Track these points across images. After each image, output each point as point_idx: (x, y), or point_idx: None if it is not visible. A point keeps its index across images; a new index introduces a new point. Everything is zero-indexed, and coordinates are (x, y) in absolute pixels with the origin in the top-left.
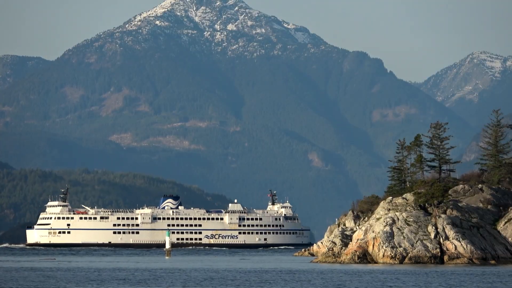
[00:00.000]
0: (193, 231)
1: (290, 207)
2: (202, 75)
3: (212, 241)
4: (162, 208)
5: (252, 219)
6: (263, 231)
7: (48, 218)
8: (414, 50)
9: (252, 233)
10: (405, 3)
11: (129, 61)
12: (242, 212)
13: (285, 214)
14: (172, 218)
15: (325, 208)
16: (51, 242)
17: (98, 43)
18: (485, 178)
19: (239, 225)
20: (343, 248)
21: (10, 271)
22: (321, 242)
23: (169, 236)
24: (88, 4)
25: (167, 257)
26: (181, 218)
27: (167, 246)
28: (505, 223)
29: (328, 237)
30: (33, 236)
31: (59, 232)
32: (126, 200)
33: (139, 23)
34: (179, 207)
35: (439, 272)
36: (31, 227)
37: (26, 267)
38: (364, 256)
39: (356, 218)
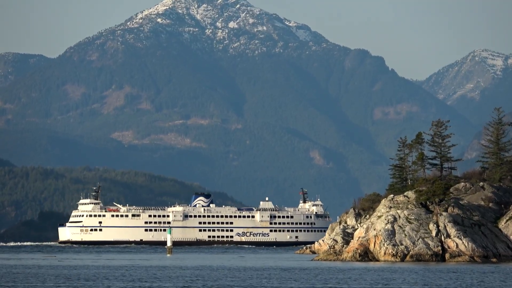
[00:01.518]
0: (225, 229)
1: (321, 205)
2: (204, 73)
3: (243, 238)
4: (193, 206)
5: (283, 217)
6: (294, 229)
7: (80, 216)
8: (416, 48)
9: (283, 231)
10: (406, 1)
11: (130, 59)
12: (273, 210)
13: (316, 212)
14: (204, 216)
15: (327, 206)
16: (83, 239)
17: (99, 40)
18: (486, 176)
19: (270, 223)
20: (345, 246)
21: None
22: (323, 240)
23: (170, 234)
24: (89, 2)
25: (168, 255)
26: (213, 216)
27: (168, 244)
28: (507, 221)
29: (329, 235)
30: (65, 233)
31: (91, 230)
32: (128, 198)
33: (140, 20)
34: (211, 205)
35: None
36: (63, 225)
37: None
38: (366, 254)
39: (358, 216)
